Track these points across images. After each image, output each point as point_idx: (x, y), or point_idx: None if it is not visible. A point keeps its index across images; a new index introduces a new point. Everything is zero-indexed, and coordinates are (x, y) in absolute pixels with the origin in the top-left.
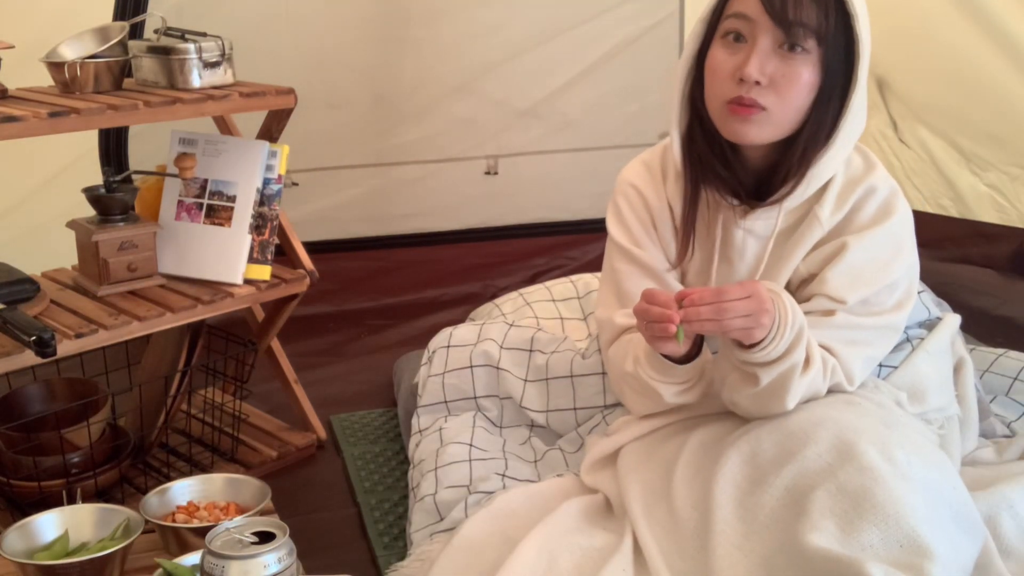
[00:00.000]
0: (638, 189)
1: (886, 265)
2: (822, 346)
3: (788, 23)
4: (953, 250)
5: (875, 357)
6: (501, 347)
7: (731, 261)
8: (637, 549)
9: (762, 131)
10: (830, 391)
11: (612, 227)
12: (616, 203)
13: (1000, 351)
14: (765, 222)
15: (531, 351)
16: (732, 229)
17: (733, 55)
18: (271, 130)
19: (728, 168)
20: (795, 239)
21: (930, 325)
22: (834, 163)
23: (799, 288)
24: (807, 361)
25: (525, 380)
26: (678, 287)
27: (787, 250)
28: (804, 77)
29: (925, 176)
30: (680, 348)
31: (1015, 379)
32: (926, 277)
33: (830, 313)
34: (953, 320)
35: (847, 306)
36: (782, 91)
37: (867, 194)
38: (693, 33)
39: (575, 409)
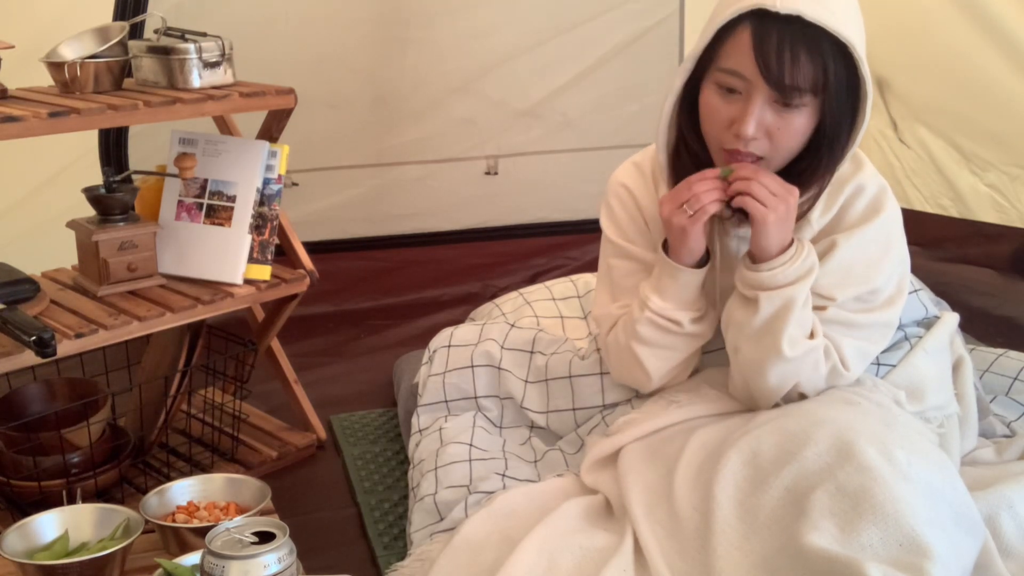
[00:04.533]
0: (629, 190)
1: (876, 262)
2: None
3: (784, 87)
4: (953, 250)
5: (869, 352)
6: (502, 347)
7: (731, 269)
8: (637, 549)
9: None
10: (829, 384)
11: (605, 225)
12: (608, 203)
13: (1000, 351)
14: None
15: (532, 352)
16: (726, 239)
17: (728, 104)
18: (271, 130)
19: None
20: None
21: (928, 323)
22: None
23: None
24: (812, 334)
25: (526, 381)
26: None
27: None
28: (801, 126)
29: (925, 176)
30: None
31: (1015, 379)
32: (926, 277)
33: (821, 309)
34: (951, 319)
35: (837, 303)
36: (778, 141)
37: (856, 193)
38: (682, 69)
39: (574, 410)
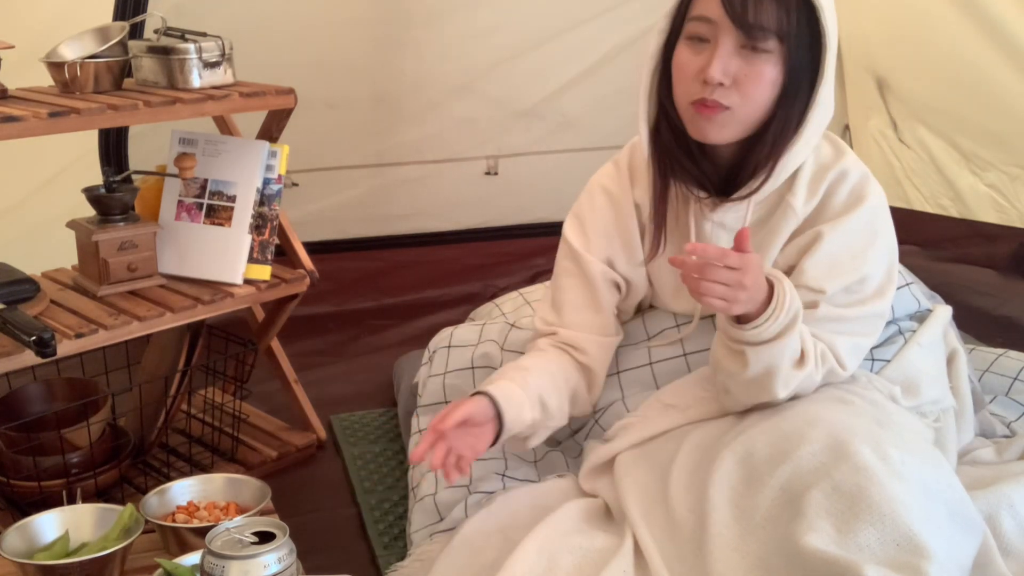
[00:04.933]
0: (608, 191)
1: (863, 251)
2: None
3: (748, 25)
4: (953, 250)
5: (863, 345)
6: (502, 348)
7: None
8: (638, 550)
9: (725, 131)
10: (825, 382)
11: (568, 228)
12: (579, 205)
13: (1000, 351)
14: (735, 214)
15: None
16: (702, 223)
17: (697, 55)
18: (271, 130)
19: (694, 162)
20: (769, 229)
21: (921, 317)
22: (801, 154)
23: None
24: (802, 357)
25: None
26: (610, 298)
27: (763, 241)
28: (767, 75)
29: (925, 176)
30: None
31: (1015, 379)
32: (926, 277)
33: (813, 305)
34: (944, 311)
35: (827, 295)
36: (745, 90)
37: (839, 179)
38: (657, 28)
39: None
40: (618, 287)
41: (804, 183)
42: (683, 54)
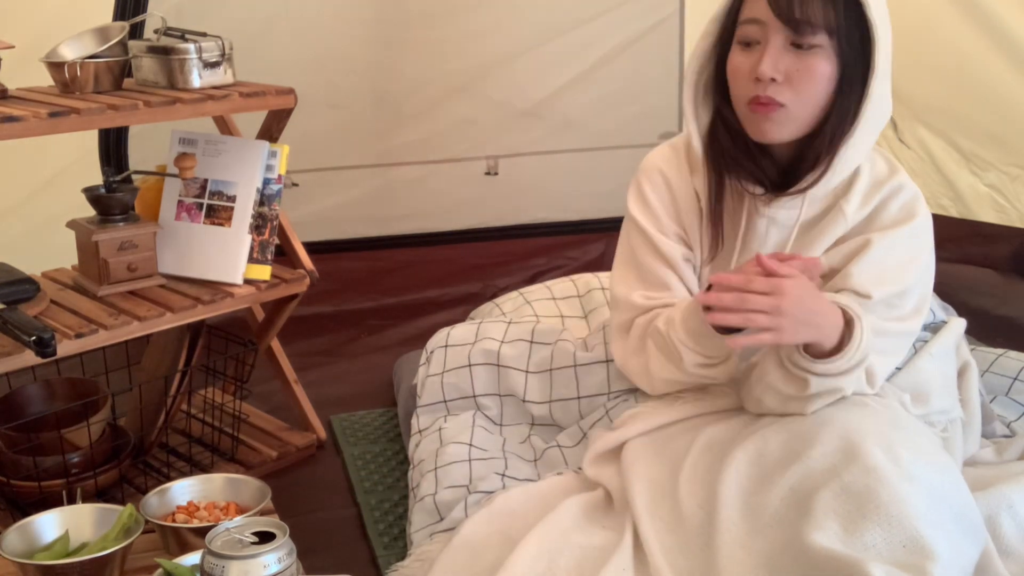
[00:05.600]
0: (664, 174)
1: (907, 265)
2: None
3: (795, 21)
4: (953, 250)
5: (892, 364)
6: (501, 342)
7: (752, 250)
8: (637, 547)
9: (783, 129)
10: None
11: (636, 210)
12: (640, 186)
13: (1000, 351)
14: (789, 211)
15: (532, 343)
16: (755, 218)
17: (749, 57)
18: (271, 130)
19: (752, 160)
20: (818, 230)
21: (935, 328)
22: (859, 152)
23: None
24: None
25: (527, 372)
26: (692, 278)
27: (809, 241)
28: (819, 70)
29: (925, 176)
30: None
31: (1015, 379)
32: None
33: None
34: (958, 324)
35: (872, 302)
36: (799, 86)
37: (893, 193)
38: (705, 32)
39: (579, 398)
40: (693, 267)
41: (859, 191)
42: (736, 58)
